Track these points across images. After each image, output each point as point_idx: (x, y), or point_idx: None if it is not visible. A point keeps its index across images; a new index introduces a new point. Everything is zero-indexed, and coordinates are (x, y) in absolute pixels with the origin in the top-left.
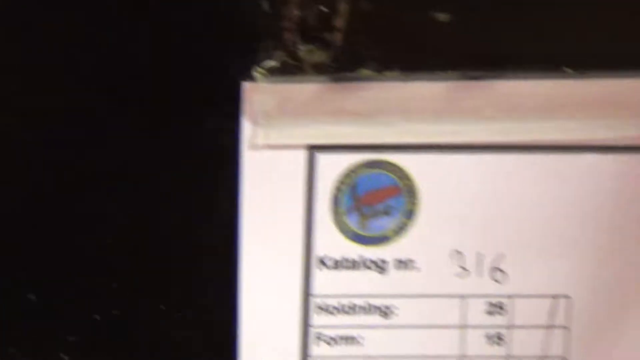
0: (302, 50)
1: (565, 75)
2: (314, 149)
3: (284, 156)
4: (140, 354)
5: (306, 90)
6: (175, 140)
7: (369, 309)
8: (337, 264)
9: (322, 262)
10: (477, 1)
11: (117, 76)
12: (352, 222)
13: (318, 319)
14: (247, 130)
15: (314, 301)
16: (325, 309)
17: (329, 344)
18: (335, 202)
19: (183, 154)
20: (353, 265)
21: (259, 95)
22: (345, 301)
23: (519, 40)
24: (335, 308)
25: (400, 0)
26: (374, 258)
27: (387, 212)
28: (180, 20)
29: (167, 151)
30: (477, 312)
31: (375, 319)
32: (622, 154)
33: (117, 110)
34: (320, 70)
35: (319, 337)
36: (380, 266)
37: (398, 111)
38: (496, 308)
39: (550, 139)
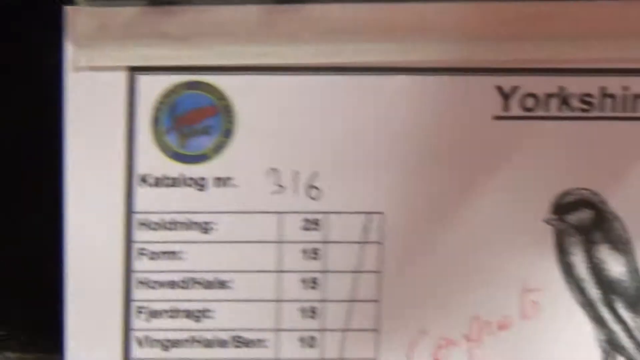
0: None
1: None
2: (134, 70)
3: (106, 77)
4: None
5: (125, 13)
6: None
7: (189, 225)
8: (158, 182)
9: (144, 180)
10: None
11: None
12: (172, 141)
13: (140, 235)
14: (70, 52)
15: (136, 218)
16: (147, 225)
17: (151, 258)
18: (156, 122)
19: (8, 75)
20: (174, 182)
21: (81, 18)
22: (166, 217)
23: None
24: (156, 224)
25: None
26: (193, 176)
27: (205, 132)
28: None
29: None
30: (293, 228)
31: (196, 234)
32: (431, 75)
33: None
34: None
35: (141, 253)
36: (199, 183)
37: (214, 34)
38: (312, 224)
39: (363, 61)
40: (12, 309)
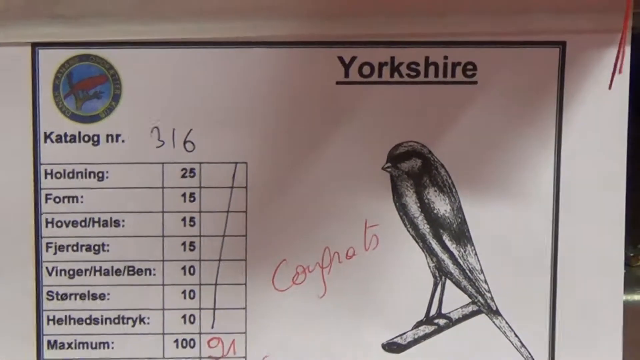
0: None
1: None
2: (36, 45)
3: (12, 52)
4: None
5: None
6: None
7: (86, 174)
8: (60, 138)
9: (48, 137)
10: None
11: None
12: (70, 105)
13: (46, 183)
14: None
15: (43, 168)
16: (51, 174)
17: (56, 202)
18: (55, 88)
19: None
20: (72, 139)
21: None
22: (67, 168)
23: None
24: (59, 173)
25: None
26: (89, 133)
27: (97, 96)
28: None
29: None
30: (173, 176)
31: (92, 182)
32: (283, 48)
33: None
34: None
35: (48, 197)
36: (94, 139)
37: (101, 14)
38: (189, 172)
39: (224, 37)
40: None
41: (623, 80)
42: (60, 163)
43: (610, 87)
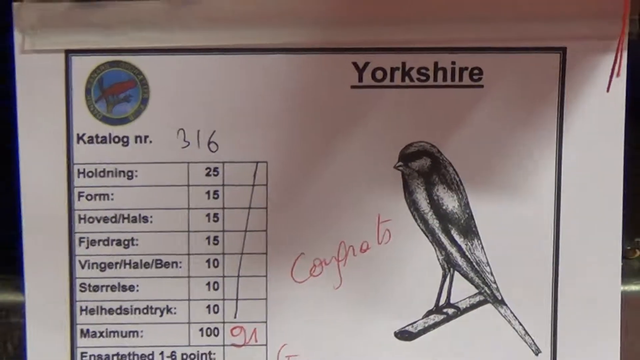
0: None
1: None
2: (69, 52)
3: (47, 58)
4: None
5: (61, 7)
6: None
7: (116, 173)
8: (92, 140)
9: (80, 138)
10: None
11: None
12: (101, 108)
13: (79, 181)
14: (18, 39)
15: (76, 167)
16: (84, 173)
17: (88, 199)
18: (88, 92)
19: None
20: (103, 140)
21: (25, 11)
22: (99, 167)
23: None
24: (91, 172)
25: None
26: (119, 135)
27: (126, 100)
28: None
29: None
30: (198, 174)
31: (122, 180)
32: (301, 54)
33: None
34: None
35: (80, 195)
36: (124, 141)
37: (130, 23)
38: (212, 171)
39: (246, 43)
40: None
41: (620, 84)
42: (92, 163)
43: (608, 90)
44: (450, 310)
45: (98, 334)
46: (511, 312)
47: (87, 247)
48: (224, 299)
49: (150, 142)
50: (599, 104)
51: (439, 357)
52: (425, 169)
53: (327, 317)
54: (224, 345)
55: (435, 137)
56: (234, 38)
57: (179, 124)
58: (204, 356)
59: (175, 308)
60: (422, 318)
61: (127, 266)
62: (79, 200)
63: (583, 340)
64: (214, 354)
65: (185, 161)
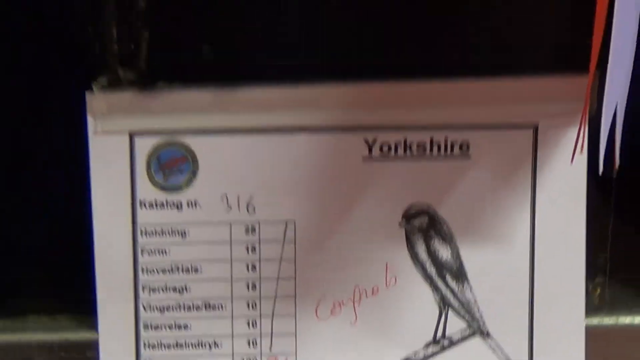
0: (121, 72)
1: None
2: (133, 134)
3: (115, 139)
4: None
5: (125, 96)
6: (45, 129)
7: (172, 232)
8: (152, 205)
9: (142, 203)
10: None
11: None
12: (159, 179)
13: (142, 239)
14: (91, 122)
15: (139, 228)
16: (146, 233)
17: (149, 254)
18: (148, 166)
19: (52, 137)
20: (162, 205)
21: (96, 100)
22: (157, 227)
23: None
24: (152, 232)
25: (174, 42)
26: (174, 200)
27: (180, 172)
28: (48, 60)
29: (38, 139)
30: (239, 232)
31: (177, 238)
32: (324, 133)
33: None
34: (133, 84)
35: (143, 251)
36: (177, 206)
37: (183, 109)
38: (251, 229)
39: (277, 124)
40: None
41: (582, 156)
42: (153, 224)
43: (572, 162)
44: (446, 342)
45: None
46: (496, 343)
47: (149, 294)
48: (261, 335)
49: (200, 206)
50: (565, 171)
51: None
52: (424, 226)
53: (345, 347)
54: None
55: (432, 199)
56: (266, 120)
57: (223, 191)
58: None
59: (221, 343)
60: (422, 348)
61: (182, 309)
62: (142, 255)
63: None
64: None
65: (228, 222)
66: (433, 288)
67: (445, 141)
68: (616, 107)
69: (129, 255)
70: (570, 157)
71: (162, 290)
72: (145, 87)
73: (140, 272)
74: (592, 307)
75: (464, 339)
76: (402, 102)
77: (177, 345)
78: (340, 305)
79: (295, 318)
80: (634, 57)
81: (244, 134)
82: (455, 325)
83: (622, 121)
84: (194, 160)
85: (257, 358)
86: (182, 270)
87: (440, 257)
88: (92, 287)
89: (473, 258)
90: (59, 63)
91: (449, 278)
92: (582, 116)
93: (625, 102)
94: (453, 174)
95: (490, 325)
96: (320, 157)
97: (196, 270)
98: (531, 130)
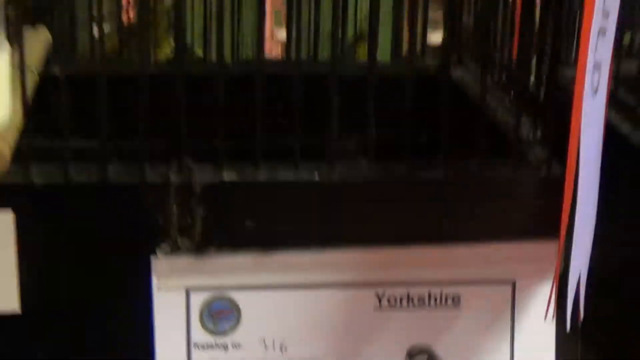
0: (180, 241)
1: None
2: (189, 289)
3: (174, 293)
4: None
5: (183, 261)
6: (119, 289)
7: None
8: (204, 347)
9: (197, 345)
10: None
11: None
12: (209, 325)
13: None
14: (155, 280)
15: None
16: None
17: None
18: (202, 315)
19: (124, 292)
20: (212, 346)
21: (159, 263)
22: None
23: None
24: None
25: (223, 217)
26: (221, 343)
27: (227, 319)
28: (121, 234)
29: (107, 294)
30: None
31: None
32: (343, 288)
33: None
34: (189, 250)
35: None
36: (224, 347)
37: (227, 270)
38: None
39: (305, 282)
40: None
41: (554, 314)
42: None
43: (545, 318)
44: None
45: None
46: None
47: None
48: None
49: (242, 348)
50: (538, 323)
51: None
52: None
53: None
54: None
55: (431, 340)
56: (296, 279)
57: (261, 335)
58: None
59: None
60: None
61: None
62: None
63: None
64: None
65: None
66: None
67: (441, 294)
68: (580, 273)
69: None
70: (545, 310)
71: None
72: (199, 253)
73: None
74: None
75: None
76: (405, 264)
77: None
78: None
79: None
80: (594, 227)
81: (278, 289)
82: None
83: (585, 283)
84: (238, 310)
85: None
86: None
87: None
88: None
89: None
90: (131, 233)
91: None
92: (553, 282)
93: (587, 267)
94: (447, 320)
95: None
96: (340, 308)
97: None
98: (510, 286)
